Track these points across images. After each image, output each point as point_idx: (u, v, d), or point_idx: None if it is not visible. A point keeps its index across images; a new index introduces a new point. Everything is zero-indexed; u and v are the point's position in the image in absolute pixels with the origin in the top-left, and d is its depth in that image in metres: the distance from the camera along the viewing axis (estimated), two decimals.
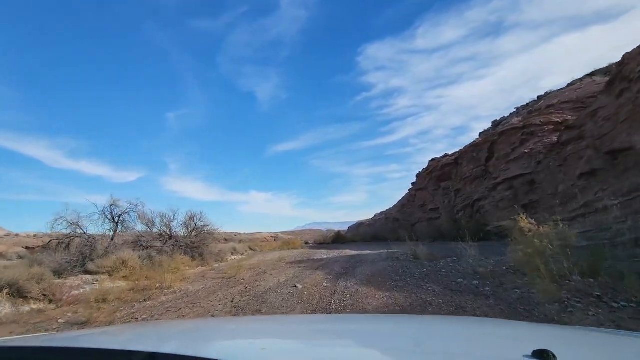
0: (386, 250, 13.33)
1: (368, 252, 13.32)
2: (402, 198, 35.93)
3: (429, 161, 25.24)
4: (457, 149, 22.26)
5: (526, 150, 12.52)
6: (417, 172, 26.79)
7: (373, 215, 39.79)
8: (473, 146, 19.34)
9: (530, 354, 0.72)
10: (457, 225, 16.87)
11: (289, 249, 22.42)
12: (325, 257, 12.16)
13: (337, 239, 32.80)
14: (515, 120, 15.16)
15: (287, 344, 1.14)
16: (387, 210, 35.59)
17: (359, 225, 41.47)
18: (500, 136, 15.24)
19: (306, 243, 36.53)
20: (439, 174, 23.14)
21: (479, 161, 18.60)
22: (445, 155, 23.60)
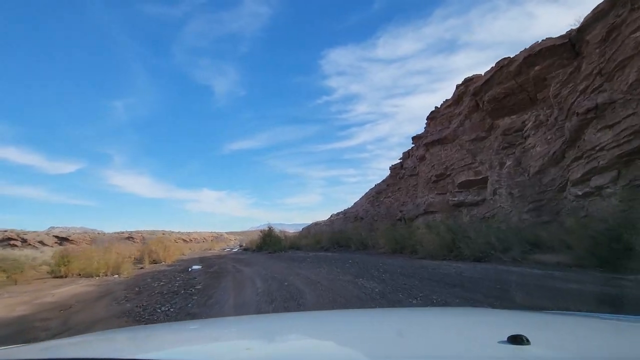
0: None
1: None
2: (379, 184, 22.86)
3: (464, 80, 11.63)
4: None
5: None
6: (432, 110, 13.07)
7: (329, 216, 31.26)
8: None
9: (506, 339, 0.71)
10: None
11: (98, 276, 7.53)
12: None
13: (266, 243, 17.75)
14: None
15: (272, 342, 1.12)
16: (347, 208, 27.72)
17: (315, 225, 30.65)
18: None
19: (240, 246, 28.76)
20: (497, 95, 9.65)
21: None
22: (507, 59, 10.16)
